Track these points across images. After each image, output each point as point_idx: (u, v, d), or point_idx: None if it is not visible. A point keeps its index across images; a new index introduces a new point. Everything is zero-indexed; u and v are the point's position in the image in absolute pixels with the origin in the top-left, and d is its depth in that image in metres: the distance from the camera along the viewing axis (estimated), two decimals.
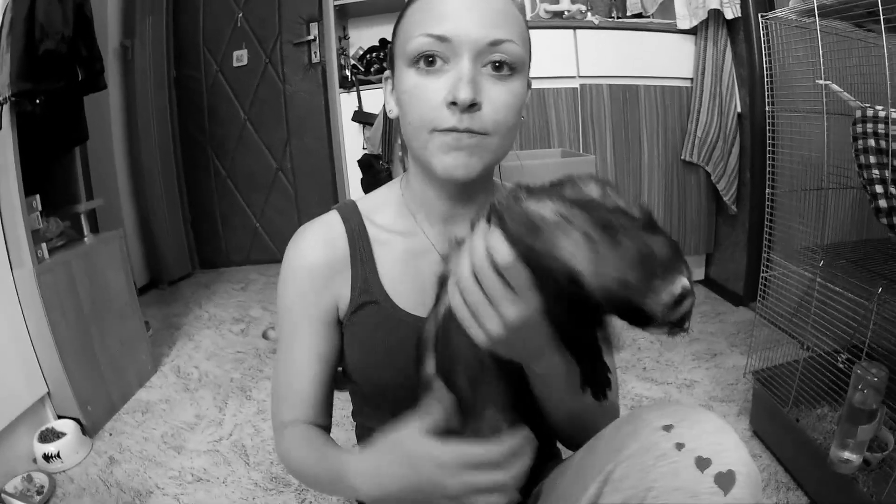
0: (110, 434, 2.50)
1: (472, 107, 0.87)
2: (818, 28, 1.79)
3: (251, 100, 4.79)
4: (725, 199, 3.55)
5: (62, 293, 2.42)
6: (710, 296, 3.76)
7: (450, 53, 0.88)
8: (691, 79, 3.57)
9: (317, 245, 1.04)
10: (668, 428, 0.73)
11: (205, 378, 2.98)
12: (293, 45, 4.62)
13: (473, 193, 1.03)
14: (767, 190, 2.14)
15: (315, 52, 4.60)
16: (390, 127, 2.61)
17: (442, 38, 0.88)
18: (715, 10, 3.28)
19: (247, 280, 4.59)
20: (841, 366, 1.84)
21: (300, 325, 1.04)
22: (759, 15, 2.10)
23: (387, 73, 1.03)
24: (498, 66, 0.90)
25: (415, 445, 0.80)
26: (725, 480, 0.67)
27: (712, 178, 3.57)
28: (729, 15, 3.27)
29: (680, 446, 0.71)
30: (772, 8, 3.00)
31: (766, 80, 2.17)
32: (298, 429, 1.03)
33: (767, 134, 2.17)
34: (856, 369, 1.64)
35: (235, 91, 4.78)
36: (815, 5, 1.78)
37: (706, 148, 3.51)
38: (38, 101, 2.24)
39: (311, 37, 4.57)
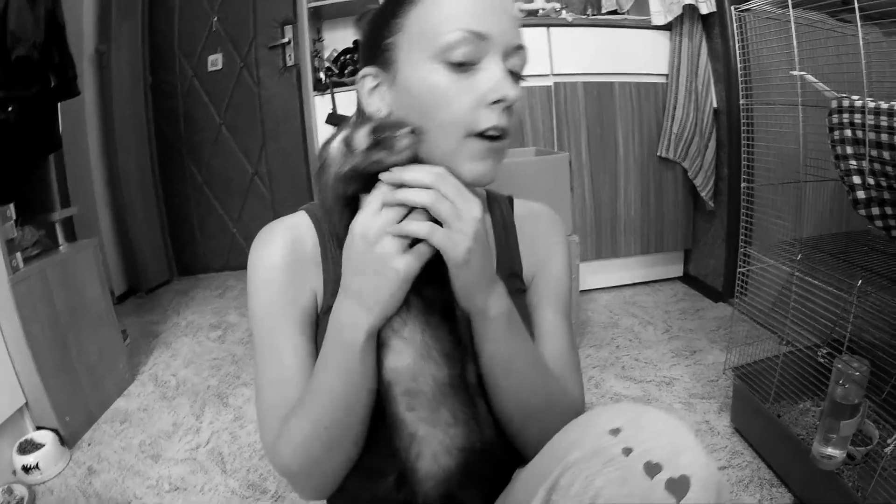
0: (89, 444, 2.48)
1: (510, 107, 0.87)
2: (792, 19, 1.77)
3: (226, 104, 4.74)
4: (703, 194, 3.55)
5: (38, 303, 2.38)
6: (690, 292, 3.75)
7: (483, 52, 0.86)
8: (666, 75, 3.55)
9: (286, 243, 0.98)
10: (615, 432, 0.69)
11: (182, 386, 2.94)
12: (268, 49, 4.57)
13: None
14: (743, 184, 2.12)
15: (290, 55, 4.54)
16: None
17: (481, 36, 0.85)
18: (689, 5, 3.28)
19: (224, 286, 4.56)
20: (821, 360, 1.82)
21: (281, 329, 0.95)
22: (733, 7, 2.08)
23: (368, 69, 0.95)
24: (517, 70, 0.90)
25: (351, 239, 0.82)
26: (678, 487, 0.63)
27: (689, 173, 3.56)
28: (704, 10, 3.27)
29: (628, 451, 0.67)
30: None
31: (739, 73, 2.15)
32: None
33: (743, 128, 2.15)
34: (836, 364, 1.62)
35: (211, 96, 4.72)
36: None
37: (682, 144, 3.50)
38: (9, 108, 2.19)
39: (286, 39, 4.51)
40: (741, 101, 2.14)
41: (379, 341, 0.84)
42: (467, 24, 0.84)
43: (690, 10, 3.32)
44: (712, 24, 3.36)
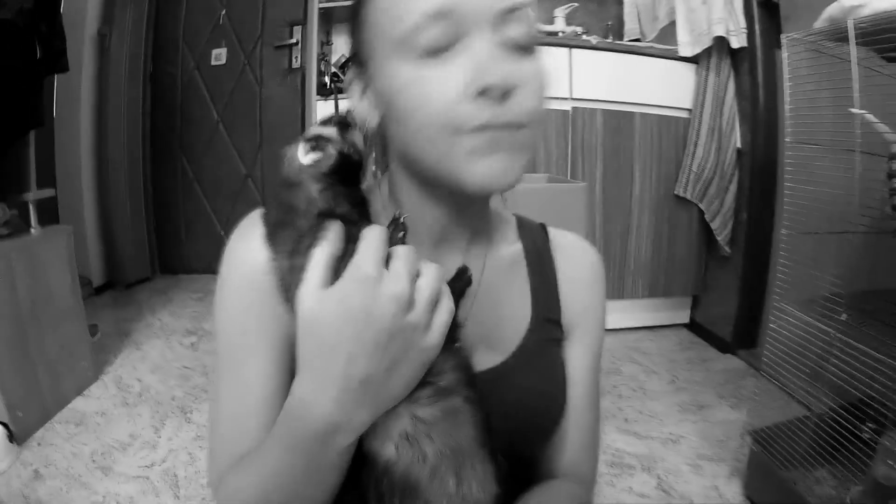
0: (39, 444, 2.35)
1: (506, 94, 0.65)
2: (853, 53, 1.59)
3: (226, 101, 4.59)
4: (719, 239, 3.37)
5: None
6: (696, 341, 3.58)
7: (459, 30, 0.65)
8: (690, 110, 3.40)
9: (264, 243, 0.75)
10: None
11: (146, 393, 2.79)
12: (274, 48, 4.42)
13: (472, 211, 0.82)
14: (783, 231, 1.91)
15: (296, 57, 4.40)
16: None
17: (442, 14, 0.64)
18: (720, 37, 3.13)
19: (206, 290, 4.38)
20: (866, 436, 1.62)
21: (252, 350, 0.76)
22: (783, 35, 1.90)
23: (351, 73, 0.78)
24: (518, 40, 0.67)
25: (324, 297, 0.61)
26: None
27: (706, 216, 3.40)
28: (735, 44, 3.12)
29: None
30: (778, 39, 2.86)
31: (786, 110, 1.95)
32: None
33: (786, 169, 1.95)
34: (884, 440, 1.42)
35: (211, 91, 4.58)
36: (851, 27, 1.59)
37: (701, 184, 3.34)
38: None
39: (294, 40, 4.37)
40: (786, 140, 1.93)
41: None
42: (423, 4, 0.64)
43: (720, 43, 3.17)
44: (741, 60, 3.20)
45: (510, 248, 0.90)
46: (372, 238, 0.61)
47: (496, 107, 0.64)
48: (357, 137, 0.73)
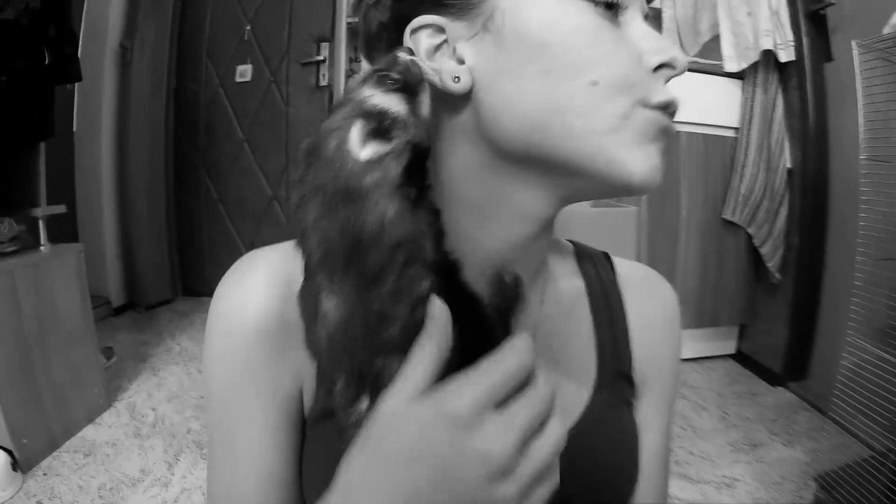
0: (44, 473, 2.24)
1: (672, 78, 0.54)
2: None
3: (251, 120, 4.46)
4: (769, 265, 3.19)
5: (3, 310, 2.20)
6: (744, 373, 3.39)
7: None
8: (737, 128, 3.24)
9: (274, 293, 0.61)
10: None
11: (160, 424, 2.65)
12: (301, 65, 4.29)
13: (547, 233, 0.64)
14: (859, 258, 1.73)
15: (323, 75, 4.26)
16: None
17: None
18: (767, 51, 2.97)
19: None
20: None
21: (246, 421, 0.62)
22: (854, 42, 1.72)
23: (426, 18, 0.56)
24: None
25: (409, 416, 0.44)
26: None
27: (755, 241, 3.22)
28: (783, 58, 2.96)
29: None
30: (829, 53, 2.71)
31: (861, 124, 1.78)
32: None
33: (861, 189, 1.77)
34: None
35: (235, 109, 4.46)
36: None
37: (749, 207, 3.17)
38: None
39: (321, 57, 4.23)
40: (861, 157, 1.75)
41: None
42: None
43: (766, 57, 3.01)
44: (790, 75, 3.03)
45: (570, 283, 0.73)
46: (495, 366, 0.44)
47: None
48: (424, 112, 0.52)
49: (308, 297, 0.48)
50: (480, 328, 0.50)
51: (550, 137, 0.52)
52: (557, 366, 0.68)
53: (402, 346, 0.45)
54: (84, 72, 2.52)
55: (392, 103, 0.47)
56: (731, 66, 3.13)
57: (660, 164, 0.53)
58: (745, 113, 3.16)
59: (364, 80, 0.49)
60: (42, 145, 2.54)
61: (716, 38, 3.25)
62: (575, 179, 0.54)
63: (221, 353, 0.62)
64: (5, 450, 2.10)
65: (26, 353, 2.29)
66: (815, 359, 2.93)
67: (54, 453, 2.36)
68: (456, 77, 0.54)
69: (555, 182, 0.56)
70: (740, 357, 3.56)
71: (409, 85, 0.49)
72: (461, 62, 0.54)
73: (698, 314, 3.37)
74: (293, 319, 0.54)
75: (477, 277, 0.53)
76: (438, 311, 0.45)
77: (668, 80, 0.52)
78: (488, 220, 0.59)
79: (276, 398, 0.61)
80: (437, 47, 0.56)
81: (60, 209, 2.64)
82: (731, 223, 3.27)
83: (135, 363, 3.26)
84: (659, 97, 0.52)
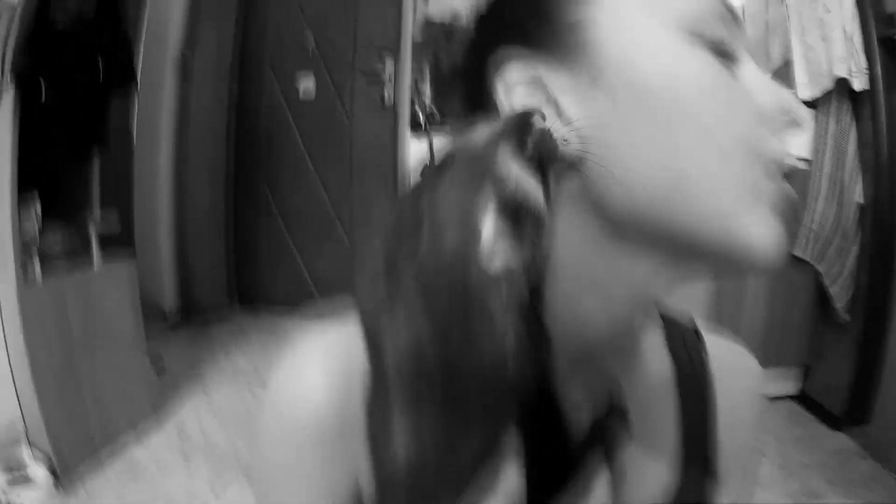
0: (86, 492, 2.24)
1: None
2: None
3: (314, 134, 4.44)
4: (838, 305, 3.04)
5: (48, 323, 2.23)
6: (804, 415, 3.24)
7: (734, 39, 0.47)
8: (809, 160, 3.09)
9: (335, 387, 0.53)
10: None
11: (207, 445, 2.62)
12: (366, 83, 4.27)
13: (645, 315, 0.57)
14: None
15: (388, 93, 4.24)
16: None
17: (732, 11, 0.47)
18: (841, 79, 2.84)
19: (284, 331, 4.17)
20: None
21: None
22: None
23: (516, 50, 0.48)
24: None
25: None
26: None
27: (824, 279, 3.06)
28: (857, 86, 2.83)
29: None
30: None
31: (886, 161, 1.69)
32: None
33: None
34: None
35: (298, 122, 4.45)
36: None
37: (820, 243, 3.03)
38: (43, 86, 1.99)
39: (386, 73, 4.21)
40: None
41: None
42: None
43: (840, 85, 2.88)
44: (863, 105, 2.92)
45: (658, 365, 0.62)
46: None
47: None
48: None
49: (377, 414, 0.39)
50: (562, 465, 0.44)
51: (671, 209, 0.44)
52: (638, 457, 0.59)
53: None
54: (144, 81, 2.54)
55: (532, 187, 0.37)
56: (805, 93, 3.00)
57: (780, 236, 0.45)
58: (819, 144, 3.04)
59: (495, 141, 0.39)
60: (96, 154, 2.56)
61: (786, 65, 3.13)
62: (695, 256, 0.47)
63: (276, 449, 0.56)
64: (47, 467, 2.12)
65: (73, 368, 2.30)
66: (879, 402, 2.80)
67: (98, 470, 2.36)
68: (564, 139, 0.45)
69: (673, 259, 0.47)
70: (803, 398, 3.41)
71: (542, 161, 0.39)
72: (567, 121, 0.46)
73: (763, 352, 3.22)
74: (353, 413, 0.48)
75: (565, 366, 0.46)
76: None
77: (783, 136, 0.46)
78: (591, 298, 0.50)
79: (332, 495, 0.55)
80: (529, 84, 0.48)
81: (115, 228, 2.64)
82: (800, 259, 3.13)
83: (186, 379, 3.25)
84: (786, 160, 0.46)
